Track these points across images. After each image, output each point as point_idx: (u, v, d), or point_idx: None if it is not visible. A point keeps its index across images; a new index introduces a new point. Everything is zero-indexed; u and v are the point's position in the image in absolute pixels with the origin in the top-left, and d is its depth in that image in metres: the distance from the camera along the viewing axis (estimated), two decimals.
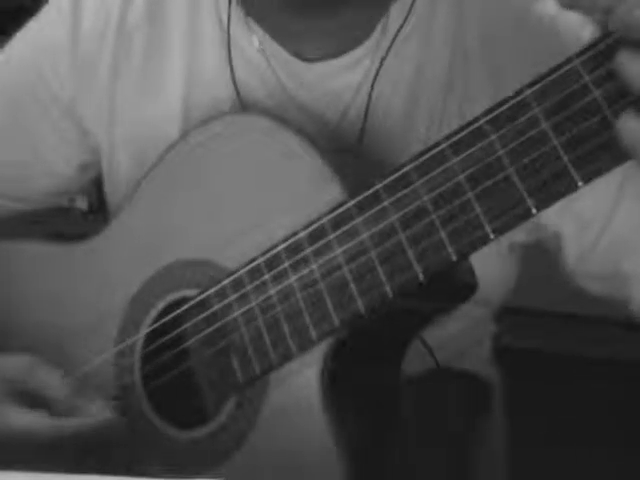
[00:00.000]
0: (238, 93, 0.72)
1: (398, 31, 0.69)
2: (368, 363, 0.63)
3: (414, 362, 0.66)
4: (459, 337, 0.78)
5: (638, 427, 1.41)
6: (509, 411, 0.88)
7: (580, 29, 0.69)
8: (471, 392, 0.79)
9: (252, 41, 0.72)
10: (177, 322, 0.66)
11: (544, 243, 0.74)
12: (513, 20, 0.70)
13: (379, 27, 0.70)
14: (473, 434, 0.77)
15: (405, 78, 0.70)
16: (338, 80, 0.70)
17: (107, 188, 0.81)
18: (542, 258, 0.76)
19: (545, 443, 1.39)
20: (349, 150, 0.70)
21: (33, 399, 0.64)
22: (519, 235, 0.73)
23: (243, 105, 0.72)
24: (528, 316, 1.48)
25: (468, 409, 0.76)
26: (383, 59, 0.69)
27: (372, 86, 0.70)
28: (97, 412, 0.63)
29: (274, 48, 0.71)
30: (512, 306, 0.92)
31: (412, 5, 0.69)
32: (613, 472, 1.36)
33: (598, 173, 0.50)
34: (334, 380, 0.59)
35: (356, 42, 0.70)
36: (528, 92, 0.52)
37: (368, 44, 0.70)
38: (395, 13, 0.70)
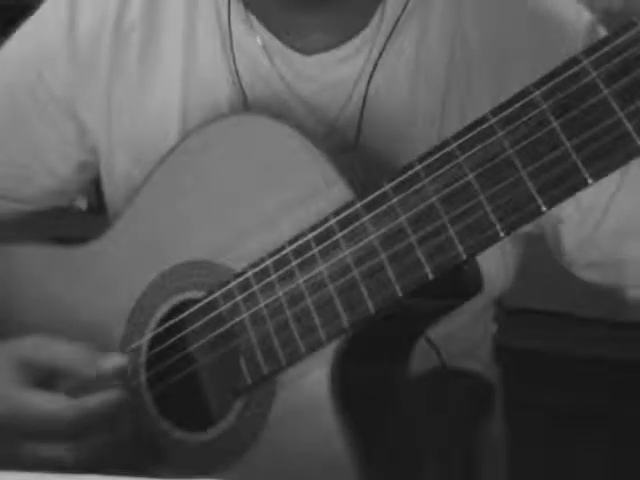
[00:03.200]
0: (237, 91, 0.72)
1: (396, 22, 0.69)
2: (376, 361, 0.63)
3: (418, 361, 0.66)
4: (459, 335, 0.78)
5: (637, 427, 1.41)
6: (509, 411, 0.88)
7: (578, 16, 0.69)
8: (475, 392, 0.79)
9: (252, 36, 0.71)
10: (183, 324, 0.66)
11: (542, 229, 0.74)
12: (511, 7, 0.70)
13: (376, 15, 0.70)
14: (476, 434, 0.77)
15: (404, 68, 0.70)
16: (337, 71, 0.70)
17: (106, 188, 0.80)
18: (542, 257, 0.76)
19: (545, 443, 1.39)
20: (348, 147, 0.70)
21: (46, 383, 0.63)
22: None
23: (242, 102, 0.71)
24: (528, 316, 1.49)
25: (472, 409, 0.76)
26: (381, 49, 0.69)
27: (370, 77, 0.70)
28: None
29: (273, 42, 0.71)
30: (513, 306, 0.92)
31: None
32: (613, 472, 1.36)
33: (608, 170, 0.50)
34: (344, 379, 0.59)
35: (354, 32, 0.70)
36: (537, 91, 0.52)
37: (366, 33, 0.70)
38: (392, 1, 0.70)
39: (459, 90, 0.69)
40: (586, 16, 0.70)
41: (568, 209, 0.70)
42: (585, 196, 0.68)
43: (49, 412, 0.61)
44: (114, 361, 0.64)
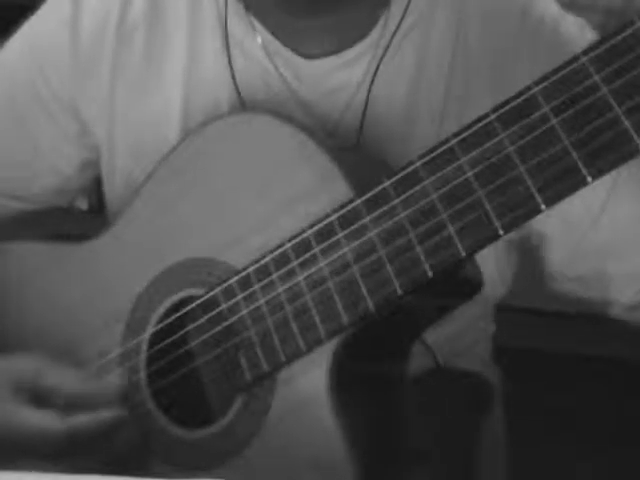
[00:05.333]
0: (238, 92, 0.72)
1: (397, 27, 0.69)
2: (375, 360, 0.63)
3: (414, 362, 0.66)
4: (458, 337, 0.78)
5: (637, 427, 1.41)
6: (509, 411, 0.88)
7: (581, 33, 0.70)
8: (474, 392, 0.79)
9: (254, 38, 0.72)
10: (183, 322, 0.66)
11: (526, 240, 0.74)
12: (515, 18, 0.70)
13: (380, 23, 0.70)
14: (475, 434, 0.77)
15: (405, 75, 0.70)
16: (339, 76, 0.71)
17: (106, 187, 0.80)
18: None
19: (545, 443, 1.39)
20: (349, 146, 0.70)
21: (42, 400, 0.64)
22: None
23: (243, 104, 0.72)
24: (528, 316, 1.48)
25: (471, 409, 0.76)
26: (383, 55, 0.70)
27: (372, 82, 0.70)
28: (107, 405, 0.63)
29: (275, 45, 0.71)
30: (512, 306, 0.92)
31: (410, 1, 0.70)
32: (613, 472, 1.36)
33: (607, 169, 0.50)
34: (342, 378, 0.59)
35: (357, 38, 0.70)
36: (537, 89, 0.52)
37: (369, 40, 0.70)
38: (396, 9, 0.70)
39: (459, 94, 0.70)
40: (589, 34, 0.70)
41: (554, 224, 0.70)
42: (572, 211, 0.69)
43: (38, 428, 0.62)
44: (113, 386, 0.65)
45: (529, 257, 0.77)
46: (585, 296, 0.74)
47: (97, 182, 0.84)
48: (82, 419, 0.62)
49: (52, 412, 0.63)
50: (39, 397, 0.64)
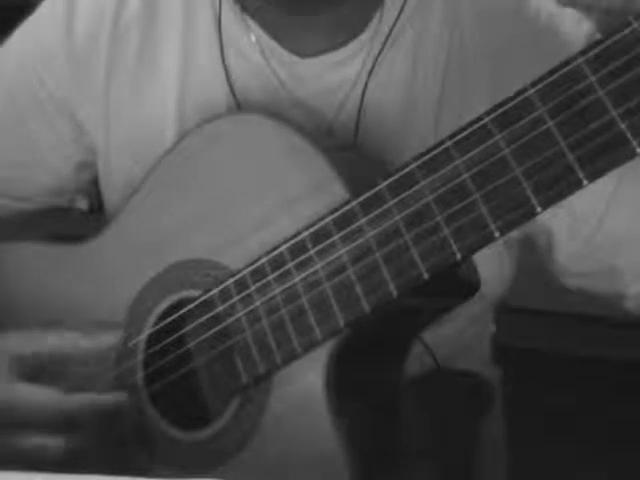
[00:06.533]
0: (233, 91, 0.72)
1: (393, 25, 0.69)
2: (372, 362, 0.63)
3: (414, 363, 0.66)
4: (457, 337, 0.78)
5: (637, 427, 1.41)
6: (509, 411, 0.88)
7: (577, 27, 0.70)
8: (474, 392, 0.79)
9: (248, 38, 0.72)
10: (180, 323, 0.66)
11: (533, 238, 0.74)
12: (510, 17, 0.70)
13: (374, 20, 0.70)
14: (475, 434, 0.77)
15: (400, 73, 0.70)
16: (334, 74, 0.71)
17: (103, 188, 0.80)
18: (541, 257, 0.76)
19: (545, 443, 1.39)
20: (345, 146, 0.70)
21: (40, 378, 0.64)
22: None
23: (239, 104, 0.72)
24: (528, 316, 1.48)
25: (471, 409, 0.76)
26: (378, 53, 0.70)
27: (367, 80, 0.70)
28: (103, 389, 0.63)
29: (270, 44, 0.71)
30: (512, 306, 0.92)
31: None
32: (612, 472, 1.36)
33: (603, 171, 0.50)
34: (339, 379, 0.59)
35: (352, 36, 0.70)
36: (532, 91, 0.52)
37: (363, 37, 0.70)
38: (390, 5, 0.70)
39: (455, 91, 0.70)
40: (586, 26, 0.70)
41: (561, 220, 0.70)
42: (579, 207, 0.69)
43: (37, 402, 0.62)
44: (100, 340, 0.64)
45: (531, 256, 0.77)
46: (598, 292, 0.74)
47: (97, 183, 0.84)
48: (80, 398, 0.62)
49: (51, 389, 0.63)
50: (33, 375, 0.64)
